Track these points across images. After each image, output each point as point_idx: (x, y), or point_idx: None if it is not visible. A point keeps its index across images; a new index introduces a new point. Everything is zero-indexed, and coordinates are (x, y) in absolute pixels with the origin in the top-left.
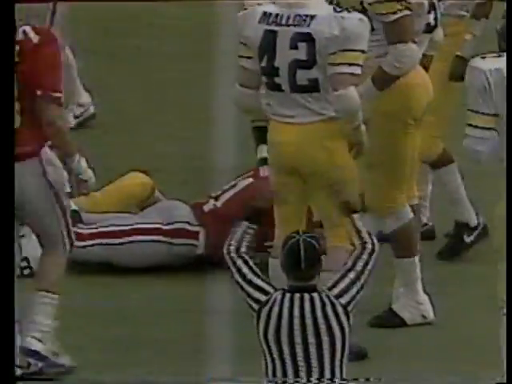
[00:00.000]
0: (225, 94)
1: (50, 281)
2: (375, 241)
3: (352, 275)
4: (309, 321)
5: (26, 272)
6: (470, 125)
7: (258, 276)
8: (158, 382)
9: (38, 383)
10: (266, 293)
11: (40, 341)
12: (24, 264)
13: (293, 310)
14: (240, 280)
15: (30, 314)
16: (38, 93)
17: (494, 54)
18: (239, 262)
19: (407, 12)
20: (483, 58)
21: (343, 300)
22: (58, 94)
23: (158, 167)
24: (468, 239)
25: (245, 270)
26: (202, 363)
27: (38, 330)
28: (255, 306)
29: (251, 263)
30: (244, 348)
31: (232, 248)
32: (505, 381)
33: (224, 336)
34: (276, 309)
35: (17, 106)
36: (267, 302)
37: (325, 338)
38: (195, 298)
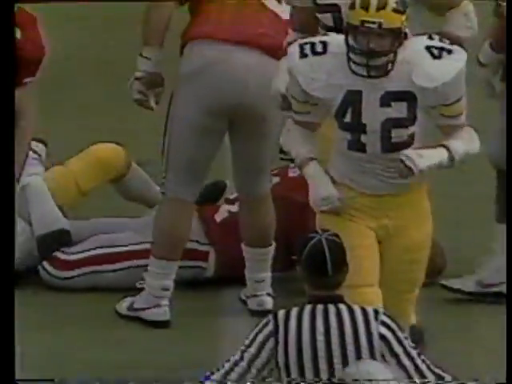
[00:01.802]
0: None
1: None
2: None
3: (408, 346)
4: (335, 338)
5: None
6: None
7: (251, 340)
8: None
9: (38, 383)
10: (265, 324)
11: (269, 295)
12: None
13: (315, 324)
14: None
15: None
16: None
17: None
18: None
19: None
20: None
21: (383, 330)
22: None
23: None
24: None
25: (243, 363)
26: None
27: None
28: (270, 345)
29: (243, 355)
30: None
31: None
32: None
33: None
34: (293, 324)
35: None
36: (277, 325)
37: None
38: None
